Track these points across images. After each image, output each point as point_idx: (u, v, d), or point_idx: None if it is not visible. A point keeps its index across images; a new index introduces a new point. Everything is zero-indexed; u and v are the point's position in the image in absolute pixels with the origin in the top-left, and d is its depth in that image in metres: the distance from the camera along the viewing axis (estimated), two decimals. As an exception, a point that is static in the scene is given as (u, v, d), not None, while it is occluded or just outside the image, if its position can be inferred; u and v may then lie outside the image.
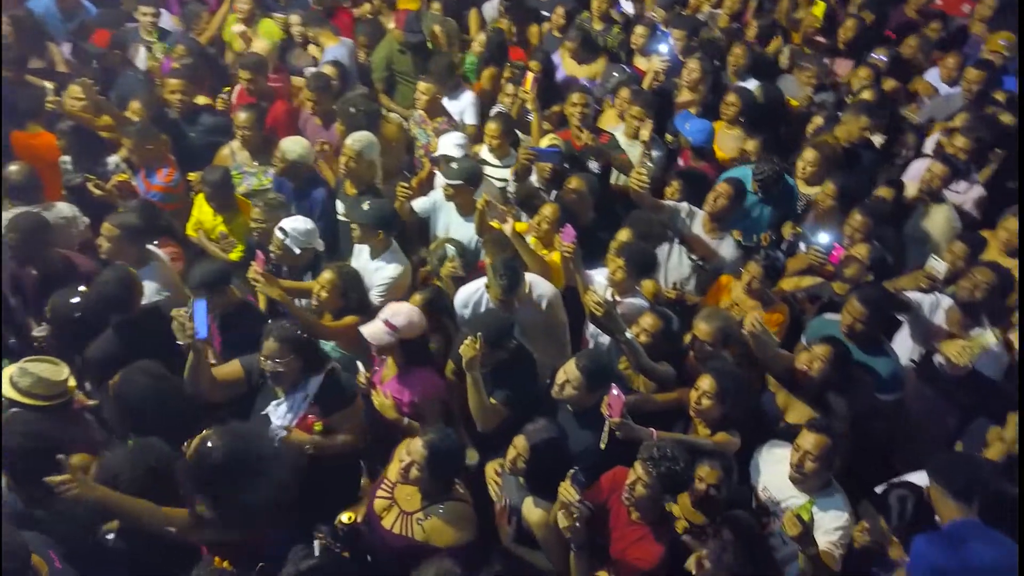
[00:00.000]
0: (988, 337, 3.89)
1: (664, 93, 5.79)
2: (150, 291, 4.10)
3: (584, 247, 4.21)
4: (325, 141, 5.21)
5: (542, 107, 5.50)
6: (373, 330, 3.66)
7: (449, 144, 4.99)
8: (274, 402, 3.51)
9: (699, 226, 4.69)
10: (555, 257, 4.35)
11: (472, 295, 4.22)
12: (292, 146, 4.95)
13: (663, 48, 6.05)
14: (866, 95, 5.66)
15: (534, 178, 5.18)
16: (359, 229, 4.40)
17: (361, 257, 4.54)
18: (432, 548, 3.05)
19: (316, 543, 2.95)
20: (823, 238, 4.47)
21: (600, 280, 4.09)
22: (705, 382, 3.56)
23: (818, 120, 5.62)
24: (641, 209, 4.68)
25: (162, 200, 4.95)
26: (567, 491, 3.07)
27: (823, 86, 6.11)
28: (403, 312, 3.69)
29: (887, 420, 3.95)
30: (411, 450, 3.10)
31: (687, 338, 4.06)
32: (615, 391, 3.40)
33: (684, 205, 4.74)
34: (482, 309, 4.16)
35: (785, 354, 3.88)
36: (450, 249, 4.55)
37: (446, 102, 5.76)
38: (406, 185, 4.91)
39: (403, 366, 3.74)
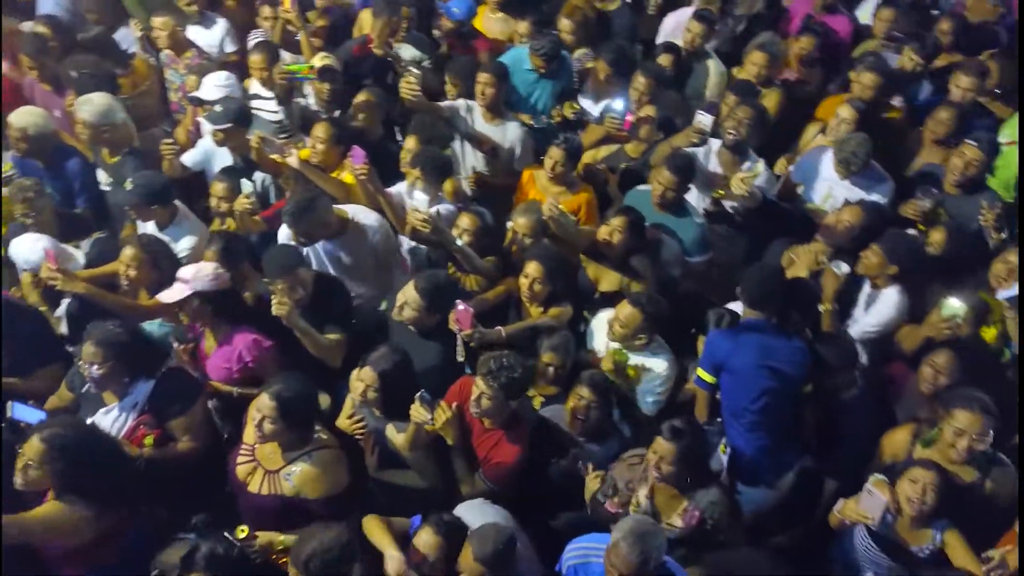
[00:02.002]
0: (758, 167, 4.34)
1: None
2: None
3: (378, 164, 4.16)
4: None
5: (305, 22, 5.27)
6: (168, 292, 3.51)
7: (211, 86, 4.66)
8: (102, 410, 3.29)
9: (479, 118, 4.76)
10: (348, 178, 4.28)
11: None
12: (24, 119, 4.41)
13: None
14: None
15: (312, 100, 5.00)
16: (133, 211, 4.11)
17: (147, 230, 4.21)
18: (306, 501, 3.05)
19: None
20: (618, 104, 4.69)
21: (421, 196, 4.09)
22: (531, 267, 3.82)
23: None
24: (421, 114, 4.66)
25: None
26: (418, 413, 3.24)
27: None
28: (192, 266, 3.54)
29: (698, 278, 4.32)
30: (259, 406, 3.04)
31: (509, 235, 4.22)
32: (461, 306, 3.54)
33: (461, 102, 4.77)
34: (312, 255, 4.04)
35: (587, 230, 4.16)
36: (246, 185, 4.33)
37: (198, 32, 5.36)
38: (169, 141, 4.58)
39: (221, 332, 3.60)
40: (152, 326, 3.86)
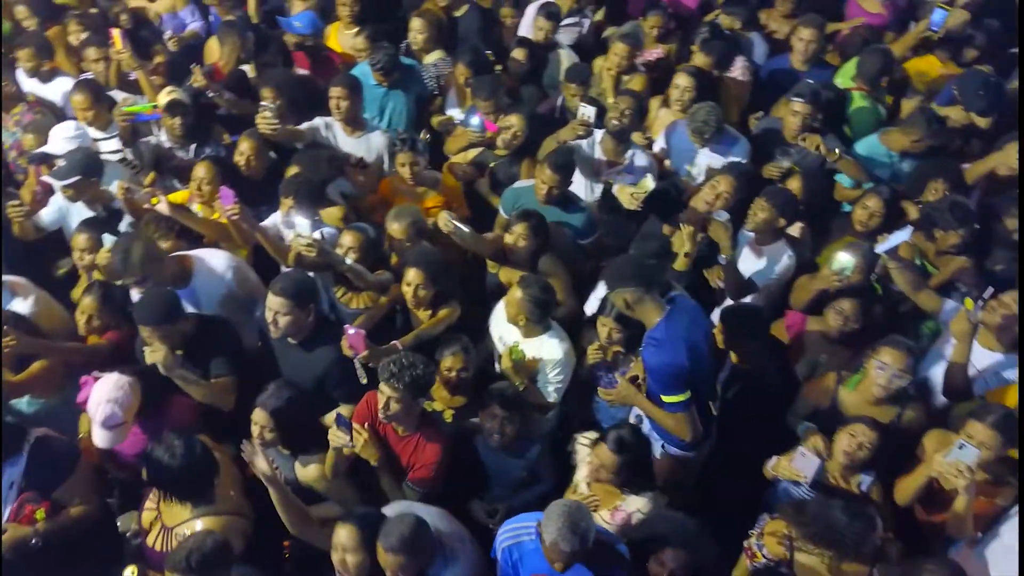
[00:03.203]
0: (648, 183, 4.49)
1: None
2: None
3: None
4: None
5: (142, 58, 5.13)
6: (102, 438, 3.33)
7: (59, 139, 4.44)
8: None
9: (341, 134, 4.75)
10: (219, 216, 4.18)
11: None
12: None
13: None
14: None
15: (164, 137, 4.85)
16: None
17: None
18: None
19: None
20: (474, 120, 4.79)
21: (302, 220, 4.06)
22: (412, 274, 3.83)
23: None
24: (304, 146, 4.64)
25: None
26: (337, 437, 3.23)
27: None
28: (104, 402, 3.30)
29: (591, 257, 4.48)
30: None
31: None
32: (351, 330, 3.54)
33: (319, 120, 4.74)
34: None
35: (490, 237, 4.23)
36: (108, 239, 4.16)
37: (35, 86, 5.14)
38: (15, 203, 4.35)
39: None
40: (21, 403, 3.70)
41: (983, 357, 3.76)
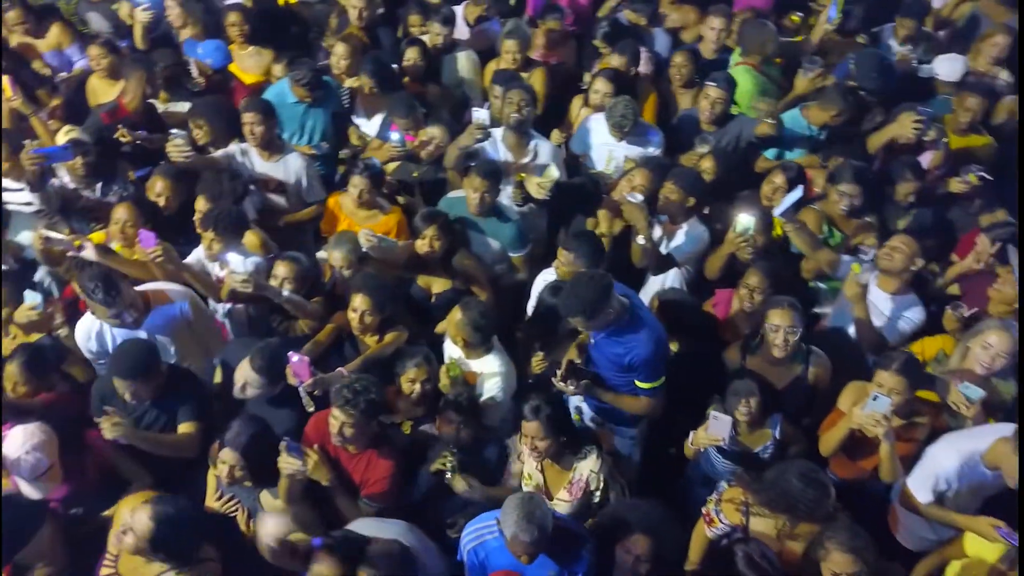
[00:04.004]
0: (553, 171, 4.65)
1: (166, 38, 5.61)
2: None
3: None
4: None
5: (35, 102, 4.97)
6: (34, 491, 3.30)
7: None
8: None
9: (257, 159, 4.73)
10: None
11: (91, 325, 3.87)
12: None
13: None
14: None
15: (67, 178, 4.70)
16: None
17: None
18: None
19: None
20: (394, 135, 4.85)
21: (235, 256, 4.03)
22: (358, 300, 3.87)
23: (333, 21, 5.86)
24: (208, 173, 4.57)
25: None
26: (288, 463, 3.26)
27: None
28: (25, 454, 3.24)
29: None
30: (134, 521, 2.93)
31: (326, 269, 4.27)
32: (295, 358, 3.56)
33: (235, 147, 4.72)
34: (108, 336, 3.85)
35: (402, 245, 4.30)
36: (28, 295, 4.05)
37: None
38: None
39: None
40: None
41: (887, 302, 4.09)
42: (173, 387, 3.61)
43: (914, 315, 4.08)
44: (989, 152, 5.04)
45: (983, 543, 3.31)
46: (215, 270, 4.21)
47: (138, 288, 3.90)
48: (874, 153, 4.94)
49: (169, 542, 2.93)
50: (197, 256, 4.24)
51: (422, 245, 4.15)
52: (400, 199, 4.84)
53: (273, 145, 4.73)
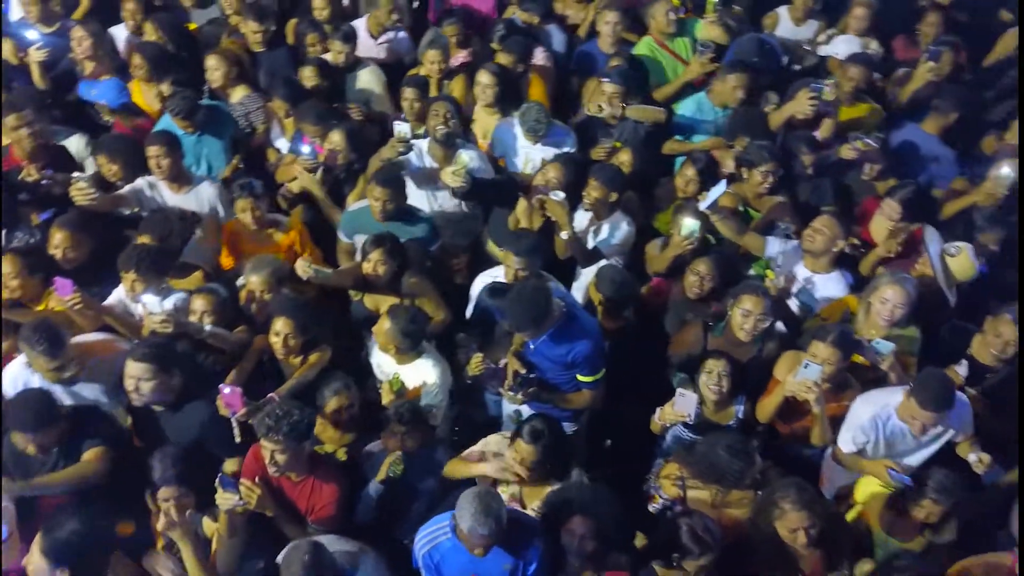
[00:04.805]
0: (463, 157, 4.75)
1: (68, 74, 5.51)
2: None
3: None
4: None
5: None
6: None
7: None
8: None
9: (166, 192, 4.68)
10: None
11: (18, 374, 3.76)
12: None
13: (32, 35, 5.57)
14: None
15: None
16: None
17: None
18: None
19: None
20: (305, 148, 4.88)
21: (150, 297, 4.00)
22: (280, 324, 3.88)
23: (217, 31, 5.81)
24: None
25: None
26: (225, 500, 3.26)
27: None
28: None
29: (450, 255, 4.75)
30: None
31: (242, 295, 4.24)
32: (227, 389, 3.55)
33: (142, 181, 4.66)
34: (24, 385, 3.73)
35: (347, 270, 4.35)
36: None
37: None
38: None
39: None
40: None
41: (814, 282, 4.36)
42: (79, 427, 3.54)
43: (842, 290, 4.33)
44: (877, 119, 5.35)
45: (875, 486, 3.64)
46: (139, 310, 4.12)
47: (81, 339, 3.83)
48: (775, 131, 5.18)
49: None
50: (118, 297, 4.16)
51: (367, 267, 4.17)
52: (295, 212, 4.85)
53: (182, 177, 4.69)
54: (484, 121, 5.36)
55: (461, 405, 4.28)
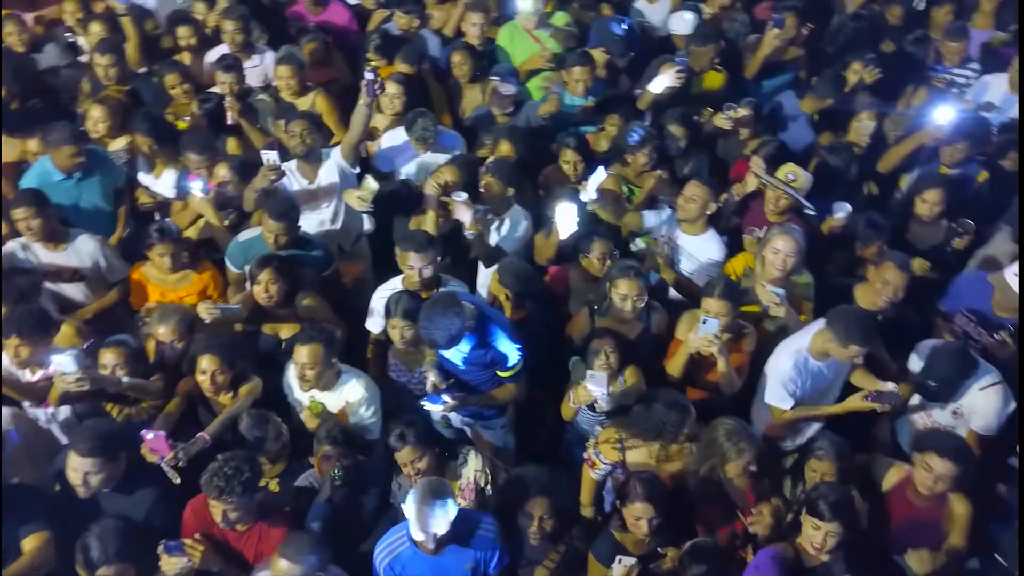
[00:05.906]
0: (372, 184, 4.70)
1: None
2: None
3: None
4: None
5: None
6: None
7: None
8: None
9: (42, 252, 4.49)
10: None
11: None
12: None
13: None
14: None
15: None
16: None
17: None
18: None
19: None
20: (197, 184, 4.75)
21: (60, 358, 3.79)
22: (206, 362, 3.83)
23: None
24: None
25: None
26: (171, 564, 3.23)
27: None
28: None
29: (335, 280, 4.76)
30: None
31: (150, 347, 4.13)
32: (149, 435, 3.48)
33: (14, 244, 4.48)
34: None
35: (241, 298, 4.28)
36: None
37: None
38: None
39: None
40: None
41: (693, 244, 4.63)
42: (10, 511, 3.39)
43: (718, 248, 4.65)
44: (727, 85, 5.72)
45: None
46: (27, 376, 3.97)
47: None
48: (645, 109, 5.47)
49: None
50: (4, 365, 3.96)
51: (259, 292, 4.13)
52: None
53: (56, 234, 4.50)
54: (380, 127, 5.35)
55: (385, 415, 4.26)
